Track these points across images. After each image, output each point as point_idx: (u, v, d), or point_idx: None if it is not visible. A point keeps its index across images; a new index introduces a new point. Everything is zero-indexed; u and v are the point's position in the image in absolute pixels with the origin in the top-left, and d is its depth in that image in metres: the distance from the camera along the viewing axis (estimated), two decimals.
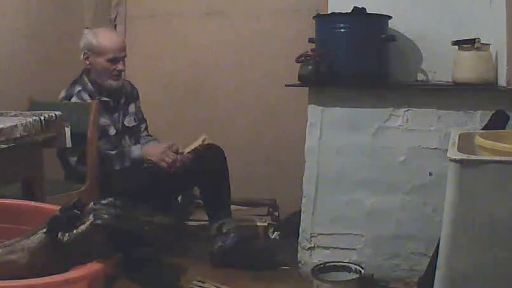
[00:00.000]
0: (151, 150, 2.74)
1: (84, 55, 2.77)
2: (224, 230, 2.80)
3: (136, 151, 2.73)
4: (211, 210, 2.86)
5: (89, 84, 2.77)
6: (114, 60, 2.74)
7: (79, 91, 2.73)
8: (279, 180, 3.47)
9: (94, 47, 2.73)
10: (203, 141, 2.82)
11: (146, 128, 3.02)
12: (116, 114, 2.83)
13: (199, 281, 2.59)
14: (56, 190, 2.34)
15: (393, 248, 2.61)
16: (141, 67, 3.61)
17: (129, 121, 2.88)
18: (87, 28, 2.92)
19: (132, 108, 2.92)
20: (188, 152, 2.77)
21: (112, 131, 2.78)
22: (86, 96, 2.72)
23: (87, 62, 2.76)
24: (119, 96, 2.85)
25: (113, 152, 2.71)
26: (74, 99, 2.70)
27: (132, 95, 2.95)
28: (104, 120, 2.74)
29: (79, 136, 2.33)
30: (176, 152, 2.73)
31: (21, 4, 2.86)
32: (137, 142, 2.91)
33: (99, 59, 2.73)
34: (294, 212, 3.09)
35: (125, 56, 2.80)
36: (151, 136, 3.03)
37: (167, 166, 2.68)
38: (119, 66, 2.76)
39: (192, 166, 2.76)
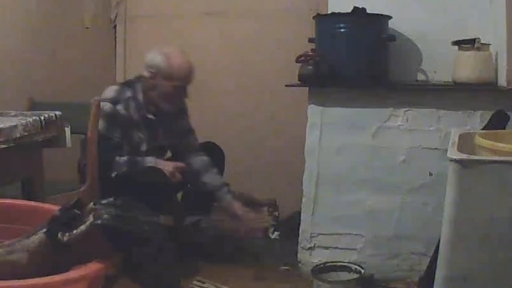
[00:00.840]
0: (160, 165, 2.63)
1: (149, 73, 2.65)
2: (202, 226, 2.82)
3: (149, 163, 2.63)
4: (194, 205, 2.87)
5: (141, 95, 2.67)
6: (179, 88, 2.65)
7: (128, 97, 2.65)
8: (279, 180, 3.47)
9: (163, 70, 2.62)
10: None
11: (194, 142, 2.87)
12: (154, 132, 2.73)
13: (198, 281, 2.59)
14: (56, 190, 2.33)
15: (393, 248, 2.61)
16: (141, 67, 3.61)
17: (164, 139, 2.78)
18: (159, 48, 2.72)
19: (177, 124, 2.81)
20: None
21: (144, 147, 2.70)
22: (132, 106, 2.64)
23: (151, 81, 2.64)
24: (165, 116, 2.73)
25: (124, 158, 2.62)
26: (120, 108, 2.61)
27: (181, 112, 2.82)
28: (140, 135, 2.68)
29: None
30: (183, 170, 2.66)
31: (21, 4, 2.86)
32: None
33: (165, 82, 2.63)
34: (294, 212, 3.09)
35: (191, 82, 2.69)
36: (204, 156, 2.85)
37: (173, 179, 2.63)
38: (182, 95, 2.69)
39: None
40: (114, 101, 2.62)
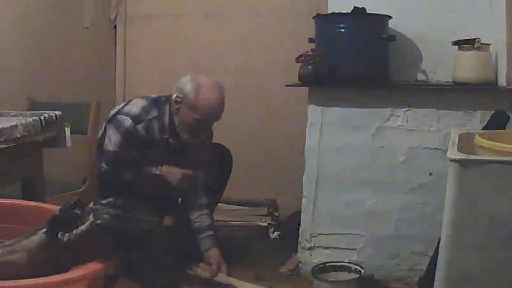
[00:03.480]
0: (169, 172, 2.57)
1: (176, 97, 2.51)
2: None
3: (157, 170, 2.57)
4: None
5: (167, 119, 2.56)
6: (201, 122, 2.51)
7: (153, 118, 2.53)
8: (279, 180, 3.48)
9: (189, 99, 2.47)
10: None
11: (202, 178, 2.71)
12: (170, 157, 2.61)
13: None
14: (56, 190, 2.34)
15: (393, 248, 2.61)
16: (141, 67, 3.61)
17: (177, 165, 2.63)
18: (195, 74, 2.56)
19: (194, 156, 2.68)
20: None
21: (157, 170, 2.60)
22: (155, 128, 2.53)
23: (176, 106, 2.52)
24: (187, 145, 2.62)
25: (131, 174, 2.54)
26: (140, 127, 2.50)
27: (204, 149, 2.71)
28: (156, 156, 2.58)
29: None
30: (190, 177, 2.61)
31: (21, 4, 2.86)
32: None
33: (188, 112, 2.49)
34: (294, 212, 3.09)
35: (218, 120, 2.55)
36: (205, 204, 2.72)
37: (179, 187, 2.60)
38: (204, 130, 2.57)
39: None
40: (137, 120, 2.51)
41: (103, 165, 2.52)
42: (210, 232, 2.65)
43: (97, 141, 2.60)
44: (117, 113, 2.55)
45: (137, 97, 2.64)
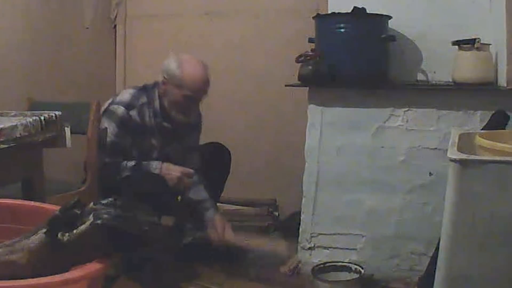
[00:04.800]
0: (168, 171, 2.57)
1: (163, 79, 2.60)
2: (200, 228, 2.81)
3: (156, 169, 2.57)
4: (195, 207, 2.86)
5: (157, 101, 2.62)
6: (189, 99, 2.58)
7: (143, 104, 2.60)
8: (279, 180, 3.47)
9: (175, 77, 2.55)
10: None
11: (194, 160, 2.78)
12: (167, 140, 2.68)
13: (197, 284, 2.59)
14: (56, 190, 2.33)
15: (393, 248, 2.61)
16: (141, 67, 3.61)
17: (175, 152, 2.72)
18: (177, 54, 2.64)
19: (188, 138, 2.77)
20: None
21: (155, 155, 2.65)
22: (146, 114, 2.59)
23: (163, 87, 2.60)
24: (181, 126, 2.68)
25: (131, 163, 2.57)
26: (133, 113, 2.56)
27: (196, 126, 2.80)
28: (152, 142, 2.64)
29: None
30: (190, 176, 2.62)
31: (21, 4, 2.86)
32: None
33: (176, 90, 2.56)
34: (294, 212, 3.09)
35: (206, 96, 2.63)
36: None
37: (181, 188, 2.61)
38: (193, 106, 2.63)
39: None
40: (129, 106, 2.57)
41: (103, 157, 2.53)
42: (209, 203, 2.72)
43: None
44: (109, 104, 2.60)
45: (125, 89, 2.71)
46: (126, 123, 2.55)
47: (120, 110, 2.55)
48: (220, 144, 2.90)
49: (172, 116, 2.62)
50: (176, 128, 2.67)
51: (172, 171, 2.57)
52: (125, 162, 2.56)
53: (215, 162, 2.82)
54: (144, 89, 2.66)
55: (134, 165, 2.57)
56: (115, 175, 2.53)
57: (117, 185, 2.47)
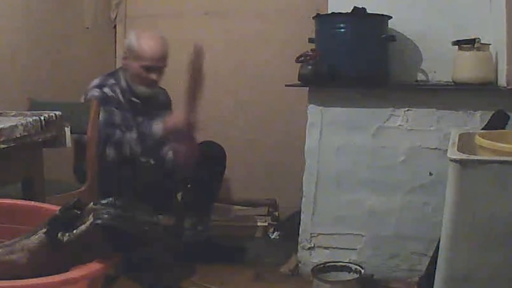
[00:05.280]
0: (170, 125, 2.62)
1: (124, 53, 2.75)
2: (199, 228, 2.83)
3: (158, 131, 2.63)
4: (193, 206, 2.86)
5: (124, 81, 2.73)
6: (148, 68, 2.68)
7: (113, 83, 2.70)
8: (279, 180, 3.47)
9: (133, 50, 2.69)
10: None
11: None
12: (141, 118, 2.73)
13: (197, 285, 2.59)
14: (56, 190, 2.33)
15: (393, 248, 2.61)
16: None
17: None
18: (135, 30, 2.81)
19: (160, 116, 2.76)
20: None
21: (134, 132, 2.68)
22: (117, 91, 2.69)
23: (124, 62, 2.74)
24: (149, 101, 2.77)
25: (134, 136, 2.63)
26: (107, 90, 2.66)
27: (165, 104, 2.88)
28: (128, 119, 2.69)
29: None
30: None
31: (21, 4, 2.86)
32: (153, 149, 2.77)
33: (134, 63, 2.68)
34: (294, 212, 3.09)
35: (163, 66, 2.73)
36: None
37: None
38: (152, 76, 2.69)
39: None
40: (100, 86, 2.67)
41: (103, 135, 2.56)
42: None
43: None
44: (84, 98, 2.68)
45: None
46: (104, 100, 2.62)
47: (95, 91, 2.64)
48: (213, 142, 2.90)
49: (137, 90, 2.71)
50: (145, 104, 2.75)
51: (175, 119, 2.62)
52: (128, 134, 2.62)
53: (209, 161, 2.82)
54: (111, 73, 2.78)
55: (138, 136, 2.62)
56: (121, 149, 2.58)
57: (115, 180, 2.51)
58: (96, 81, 2.72)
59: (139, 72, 2.68)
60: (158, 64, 2.70)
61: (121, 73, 2.76)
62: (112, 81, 2.72)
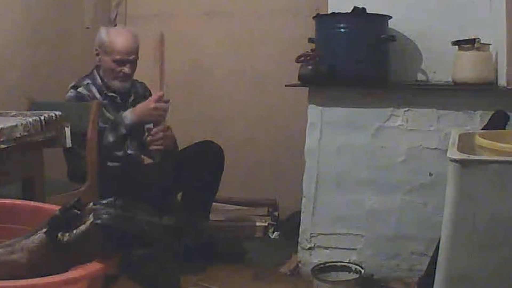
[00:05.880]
0: (141, 110, 2.66)
1: (95, 50, 2.77)
2: (199, 228, 2.83)
3: (128, 115, 2.65)
4: (192, 206, 2.85)
5: (99, 79, 2.76)
6: (120, 62, 2.71)
7: (88, 83, 2.73)
8: (279, 180, 3.47)
9: (104, 45, 2.72)
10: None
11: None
12: (120, 110, 2.75)
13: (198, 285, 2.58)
14: (56, 190, 2.33)
15: (393, 248, 2.61)
16: (141, 67, 3.60)
17: None
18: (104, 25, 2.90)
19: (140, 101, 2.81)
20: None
21: (128, 115, 2.69)
22: (94, 89, 2.72)
23: (97, 59, 2.76)
24: (127, 95, 2.82)
25: (107, 125, 2.66)
26: (81, 89, 2.69)
27: (144, 97, 2.87)
28: (109, 115, 2.72)
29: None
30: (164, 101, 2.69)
31: (21, 4, 2.86)
32: (140, 142, 2.83)
33: (106, 57, 2.72)
34: (294, 212, 3.09)
35: (135, 59, 2.76)
36: None
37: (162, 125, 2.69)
38: (125, 69, 2.73)
39: (190, 163, 2.77)
40: (75, 87, 2.69)
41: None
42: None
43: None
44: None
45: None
46: (80, 99, 2.66)
47: (71, 92, 2.68)
48: (212, 141, 2.90)
49: (112, 85, 2.74)
50: (124, 98, 2.79)
51: (144, 107, 2.66)
52: (102, 124, 2.63)
53: (207, 160, 2.82)
54: (86, 75, 2.79)
55: (110, 125, 2.64)
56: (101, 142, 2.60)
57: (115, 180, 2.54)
58: (72, 83, 2.75)
59: (112, 66, 2.71)
60: (129, 57, 2.73)
61: (95, 72, 2.78)
62: (87, 81, 2.74)
